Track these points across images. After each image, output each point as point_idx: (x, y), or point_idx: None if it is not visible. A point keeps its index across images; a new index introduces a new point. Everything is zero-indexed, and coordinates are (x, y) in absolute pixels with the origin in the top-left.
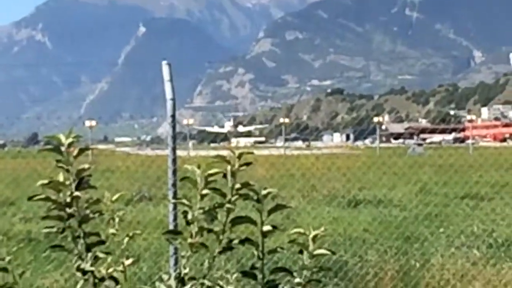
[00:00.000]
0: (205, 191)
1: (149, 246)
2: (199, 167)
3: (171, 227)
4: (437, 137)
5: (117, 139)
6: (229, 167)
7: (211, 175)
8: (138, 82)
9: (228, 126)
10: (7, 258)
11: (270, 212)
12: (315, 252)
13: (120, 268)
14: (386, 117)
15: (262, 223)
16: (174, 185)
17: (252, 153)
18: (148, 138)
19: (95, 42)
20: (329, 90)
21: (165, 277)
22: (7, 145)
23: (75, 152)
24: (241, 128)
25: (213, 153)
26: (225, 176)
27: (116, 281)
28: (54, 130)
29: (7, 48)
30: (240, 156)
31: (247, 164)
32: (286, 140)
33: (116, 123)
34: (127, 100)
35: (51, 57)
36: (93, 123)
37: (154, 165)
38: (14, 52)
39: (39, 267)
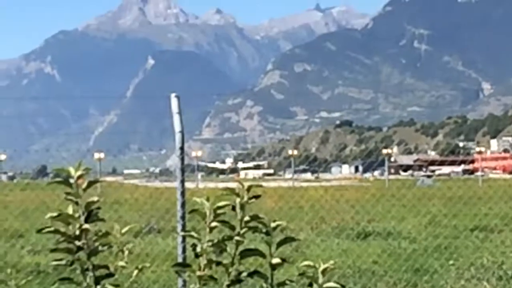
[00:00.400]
0: (214, 224)
1: (157, 278)
2: (208, 199)
3: (180, 259)
4: (446, 169)
5: (126, 171)
6: (238, 200)
7: (220, 207)
8: (146, 114)
9: (228, 163)
10: None
11: (279, 244)
12: (325, 286)
13: None
14: (395, 149)
15: (271, 256)
16: (182, 217)
17: (261, 185)
18: (157, 170)
19: (103, 75)
20: (337, 122)
21: None
22: (16, 177)
23: (85, 185)
24: (240, 164)
25: (221, 185)
26: (234, 208)
27: None
28: (62, 162)
29: (16, 81)
30: (249, 188)
31: (256, 197)
32: (295, 172)
33: (125, 155)
34: (135, 132)
35: (60, 89)
36: (102, 155)
37: (162, 197)
38: (23, 85)
39: None
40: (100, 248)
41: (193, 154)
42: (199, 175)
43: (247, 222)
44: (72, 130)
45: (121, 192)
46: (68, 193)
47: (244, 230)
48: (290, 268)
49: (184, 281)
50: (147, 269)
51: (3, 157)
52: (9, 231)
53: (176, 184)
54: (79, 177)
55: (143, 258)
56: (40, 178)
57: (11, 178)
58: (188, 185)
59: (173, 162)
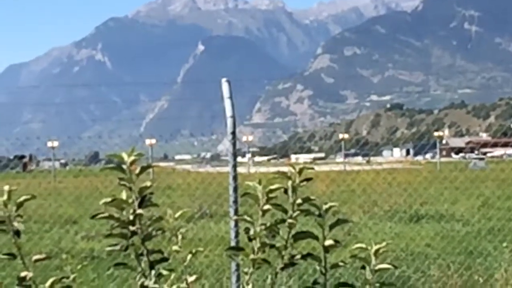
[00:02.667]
0: (266, 207)
1: (210, 263)
2: (260, 183)
3: (232, 243)
4: (498, 151)
5: (177, 157)
6: (290, 183)
7: (272, 190)
8: (197, 99)
9: (246, 158)
10: (72, 276)
11: (331, 226)
12: (377, 267)
13: (184, 285)
14: (446, 132)
15: (324, 238)
16: (235, 202)
17: (312, 168)
18: (208, 155)
19: (154, 61)
20: (388, 105)
21: None
22: (68, 164)
23: (137, 170)
24: (257, 158)
25: (273, 169)
26: (286, 191)
27: None
28: (114, 148)
29: (67, 68)
30: (300, 171)
31: (308, 179)
32: (346, 155)
33: (176, 140)
34: (186, 117)
35: (111, 76)
36: (153, 141)
37: (214, 182)
38: (74, 72)
39: (102, 284)
40: (154, 233)
41: (244, 138)
42: (251, 160)
43: (299, 205)
44: (123, 117)
45: (173, 177)
46: (121, 179)
47: (296, 213)
48: (342, 252)
49: (238, 265)
50: (200, 254)
51: (55, 144)
52: (63, 217)
53: (227, 168)
54: (132, 162)
55: (196, 243)
56: (92, 165)
57: (64, 165)
58: (239, 169)
59: (224, 147)
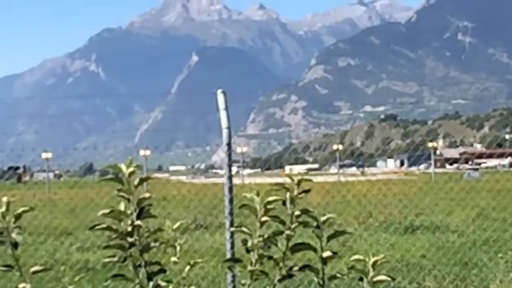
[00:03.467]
0: (264, 218)
1: (206, 274)
2: (258, 194)
3: (228, 255)
4: (491, 162)
5: (172, 168)
6: (288, 194)
7: (270, 202)
8: (191, 110)
9: (234, 170)
10: None
11: (329, 238)
12: (375, 279)
13: None
14: (441, 142)
15: (322, 250)
16: (231, 213)
17: (310, 180)
18: (202, 166)
19: (148, 72)
20: (382, 116)
21: None
22: (63, 176)
23: (136, 182)
24: (247, 171)
25: (268, 180)
26: (284, 203)
27: None
28: (109, 159)
29: (61, 79)
30: (299, 183)
31: (306, 191)
32: (340, 166)
33: (170, 152)
34: (180, 128)
35: (105, 87)
36: (148, 152)
37: (209, 193)
38: (68, 83)
39: None
40: (152, 244)
41: (239, 150)
42: (245, 171)
43: (297, 216)
44: (117, 128)
45: (168, 188)
46: (119, 190)
47: (294, 224)
48: (337, 263)
49: (233, 277)
50: (195, 265)
51: (49, 155)
52: (58, 228)
53: (222, 179)
54: (130, 174)
55: (191, 254)
56: (87, 176)
57: (58, 176)
58: (233, 180)
59: (219, 158)
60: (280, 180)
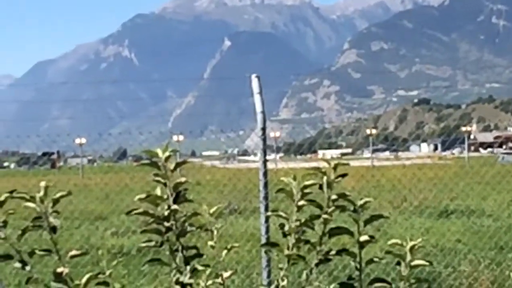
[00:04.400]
0: (301, 203)
1: (240, 259)
2: (294, 178)
3: (263, 239)
4: None
5: (205, 153)
6: (325, 178)
7: (307, 186)
8: (224, 95)
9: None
10: (108, 272)
11: (366, 222)
12: (413, 263)
13: (219, 280)
14: (474, 126)
15: (360, 233)
16: (265, 198)
17: (348, 164)
18: (235, 151)
19: (180, 57)
20: (415, 100)
21: None
22: (96, 161)
23: (172, 166)
24: (269, 157)
25: (302, 165)
26: (321, 187)
27: None
28: (142, 145)
29: (95, 65)
30: (335, 167)
31: (343, 175)
32: (373, 151)
33: (203, 137)
34: (213, 113)
35: (138, 73)
36: (181, 137)
37: (244, 178)
38: (101, 69)
39: (133, 281)
40: (189, 228)
41: (272, 134)
42: (278, 155)
43: (334, 200)
44: (150, 113)
45: (202, 173)
46: (156, 175)
47: (331, 208)
48: (372, 248)
49: (269, 261)
50: (232, 250)
51: (83, 140)
52: (93, 214)
53: (256, 164)
54: (167, 158)
55: (225, 239)
56: (120, 161)
57: (92, 161)
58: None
59: (252, 142)
60: (312, 165)
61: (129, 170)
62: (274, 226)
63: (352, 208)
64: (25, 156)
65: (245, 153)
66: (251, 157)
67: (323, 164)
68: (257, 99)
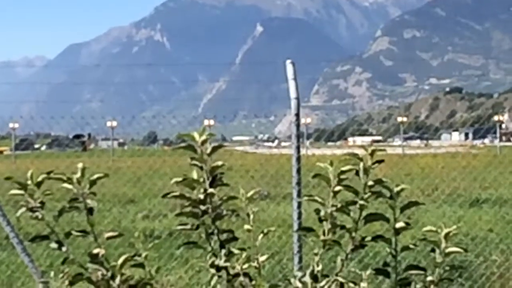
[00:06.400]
0: (338, 188)
1: (271, 245)
2: (331, 164)
3: (295, 225)
4: None
5: (235, 138)
6: (361, 164)
7: (344, 172)
8: (255, 81)
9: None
10: (144, 254)
11: (403, 209)
12: (447, 250)
13: (255, 264)
14: (506, 116)
15: (396, 220)
16: (298, 183)
17: (384, 150)
18: (265, 137)
19: (212, 42)
20: (447, 89)
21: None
22: (126, 144)
23: (209, 150)
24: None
25: (334, 152)
26: (357, 173)
27: (250, 278)
28: (173, 129)
29: (127, 48)
30: (372, 153)
31: (379, 161)
32: (404, 139)
33: (233, 122)
34: (244, 99)
35: (170, 57)
36: (212, 122)
37: (276, 163)
38: (133, 52)
39: (164, 264)
40: (225, 212)
41: (302, 121)
42: (308, 141)
43: (370, 186)
44: (181, 97)
45: (233, 158)
46: (192, 158)
47: (368, 194)
48: (403, 236)
49: (300, 246)
50: (260, 235)
51: (114, 123)
52: (125, 197)
53: (287, 150)
54: (203, 142)
55: (257, 224)
56: (151, 144)
57: (122, 144)
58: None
59: (282, 128)
60: (344, 151)
61: (160, 154)
62: (305, 212)
63: (388, 195)
64: (57, 138)
65: (275, 139)
66: (269, 144)
67: (359, 151)
68: (291, 85)
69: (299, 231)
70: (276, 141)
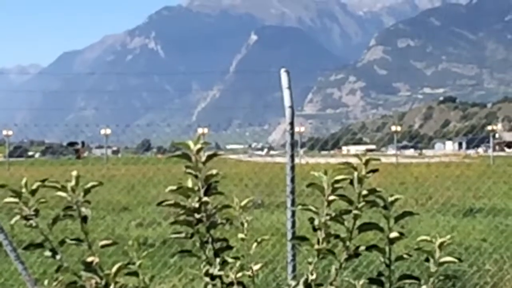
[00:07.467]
0: (332, 197)
1: (265, 253)
2: (325, 173)
3: (289, 234)
4: None
5: (228, 147)
6: (356, 174)
7: (338, 181)
8: (249, 89)
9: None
10: (138, 262)
11: (397, 218)
12: (441, 260)
13: (249, 273)
14: (499, 126)
15: (390, 230)
16: (292, 192)
17: (379, 159)
18: (259, 146)
19: (206, 51)
20: (441, 98)
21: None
22: (120, 152)
23: (204, 158)
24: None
25: (328, 160)
26: (351, 182)
27: (244, 286)
28: (167, 137)
29: (121, 56)
30: (367, 162)
31: (374, 171)
32: (398, 148)
33: (227, 130)
34: (238, 107)
35: (164, 65)
36: (205, 130)
37: (269, 172)
38: (127, 60)
39: (157, 272)
40: (219, 221)
41: (296, 129)
42: (302, 150)
43: (365, 196)
44: (175, 105)
45: (228, 166)
46: (187, 167)
47: (362, 204)
48: (397, 245)
49: (294, 255)
50: (254, 244)
51: (108, 131)
52: (119, 205)
53: (280, 159)
54: (198, 150)
55: (251, 233)
56: (144, 153)
57: (116, 152)
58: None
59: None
60: (338, 160)
61: (154, 162)
62: (299, 221)
63: (382, 204)
64: (50, 146)
65: (270, 148)
66: (259, 152)
67: (353, 160)
68: (286, 93)
69: (293, 240)
70: (265, 150)
